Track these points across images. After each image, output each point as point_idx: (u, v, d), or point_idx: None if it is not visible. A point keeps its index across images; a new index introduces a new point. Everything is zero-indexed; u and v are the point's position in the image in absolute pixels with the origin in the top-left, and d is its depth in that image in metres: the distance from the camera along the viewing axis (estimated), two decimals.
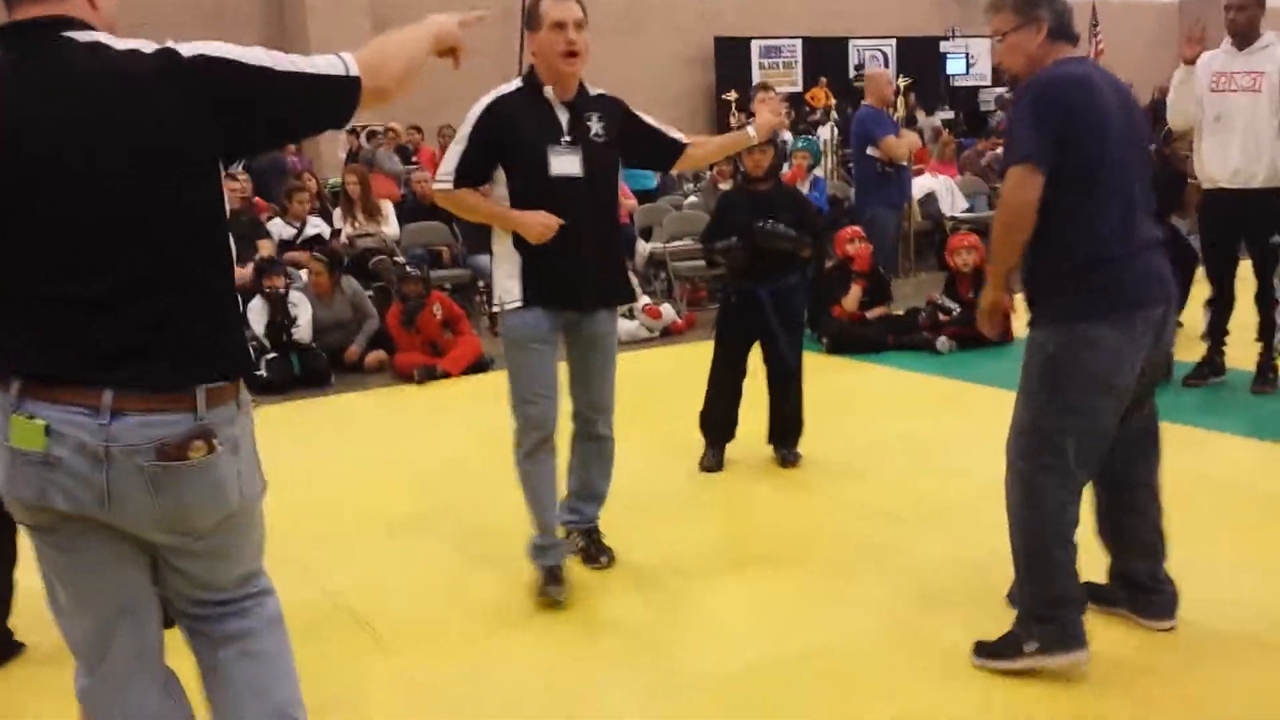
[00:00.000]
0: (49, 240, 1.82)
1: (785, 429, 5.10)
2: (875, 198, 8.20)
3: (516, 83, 3.63)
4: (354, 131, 12.20)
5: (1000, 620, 3.24)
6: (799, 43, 16.70)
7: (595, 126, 3.61)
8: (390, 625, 3.59)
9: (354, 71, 1.98)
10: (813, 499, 4.67)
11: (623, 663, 3.31)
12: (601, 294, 3.68)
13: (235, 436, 1.98)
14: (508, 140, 3.53)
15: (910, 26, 17.56)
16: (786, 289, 4.99)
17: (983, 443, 5.19)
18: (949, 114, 15.84)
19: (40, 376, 1.85)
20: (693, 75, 16.41)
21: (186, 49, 1.89)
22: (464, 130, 3.57)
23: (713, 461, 5.05)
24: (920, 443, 5.29)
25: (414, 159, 12.46)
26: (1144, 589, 3.29)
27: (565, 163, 3.53)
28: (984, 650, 3.15)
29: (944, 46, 17.45)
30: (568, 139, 3.54)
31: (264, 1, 14.12)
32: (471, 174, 3.58)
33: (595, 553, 4.01)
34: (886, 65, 16.69)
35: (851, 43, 16.96)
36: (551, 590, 3.68)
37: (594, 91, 3.70)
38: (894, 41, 17.20)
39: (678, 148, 3.89)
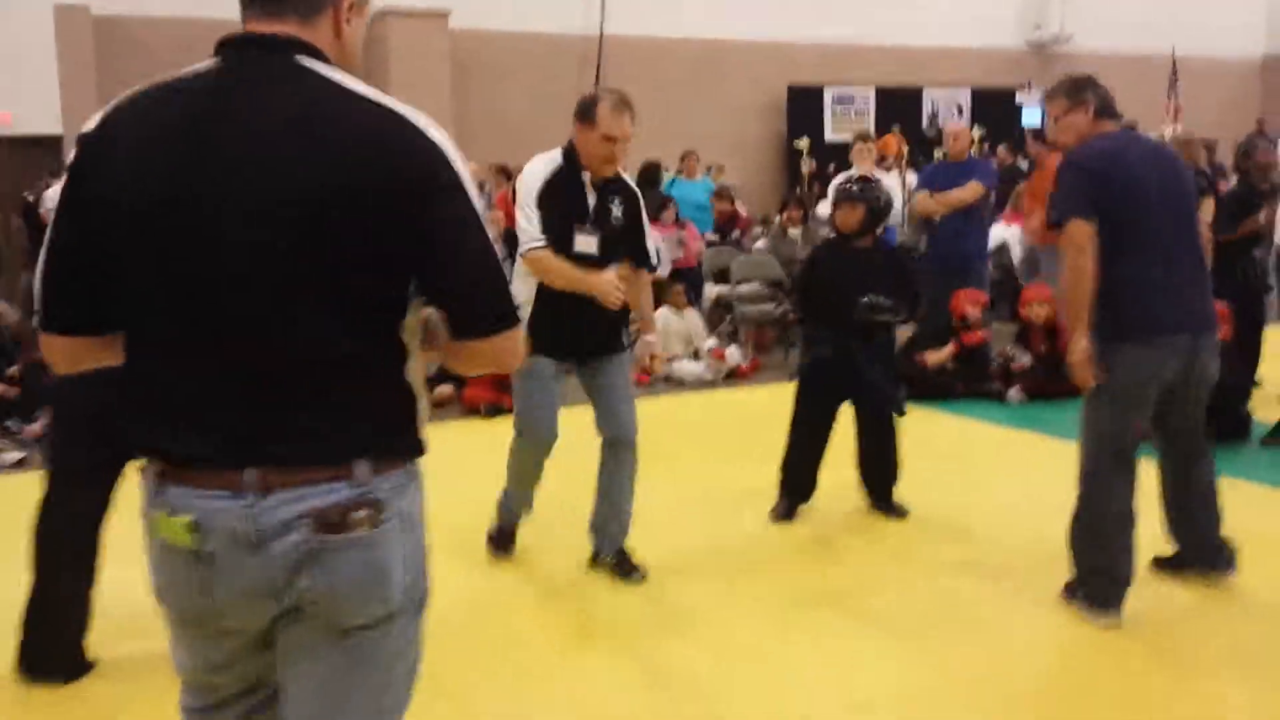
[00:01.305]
0: (203, 298, 1.58)
1: (887, 481, 4.99)
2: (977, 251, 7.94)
3: (558, 157, 4.08)
4: None
5: (1067, 678, 3.17)
6: (872, 92, 16.70)
7: (616, 210, 4.12)
8: (443, 659, 3.60)
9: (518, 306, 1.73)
10: (880, 548, 4.62)
11: (677, 707, 3.29)
12: (597, 348, 4.18)
13: (407, 513, 1.68)
14: (549, 213, 4.01)
15: (986, 78, 17.48)
16: (881, 342, 4.92)
17: (1051, 498, 5.12)
18: (1023, 165, 15.69)
19: (177, 457, 1.62)
20: (766, 123, 16.48)
21: (439, 144, 1.62)
22: (529, 199, 4.03)
23: (784, 511, 4.96)
24: (991, 495, 5.21)
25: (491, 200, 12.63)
26: (1214, 546, 3.95)
27: (586, 242, 4.03)
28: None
29: (1020, 98, 17.32)
30: (592, 222, 4.04)
31: None
32: (554, 236, 4.02)
33: (627, 570, 4.26)
34: (962, 115, 16.62)
35: (926, 92, 16.93)
36: (495, 549, 4.54)
37: (625, 180, 4.21)
38: (968, 92, 17.13)
39: (642, 261, 4.25)
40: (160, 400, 1.63)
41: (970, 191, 7.58)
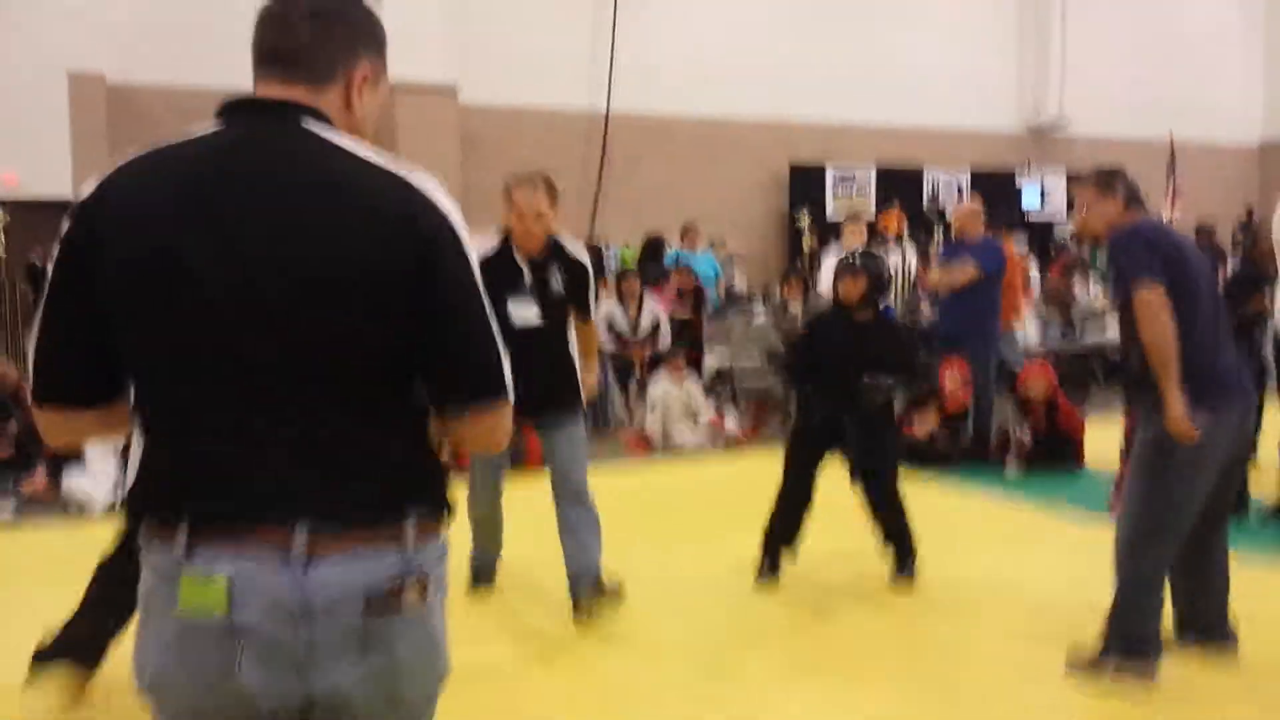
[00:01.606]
0: (220, 361, 1.52)
1: (895, 545, 4.93)
2: (987, 330, 7.83)
3: (494, 240, 4.50)
4: None
5: None
6: (872, 170, 16.92)
7: (555, 281, 4.48)
8: None
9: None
10: (875, 619, 4.58)
11: None
12: (550, 405, 4.49)
13: (442, 580, 1.63)
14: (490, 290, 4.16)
15: (986, 159, 17.72)
16: (882, 417, 4.89)
17: (1055, 576, 5.09)
18: (1023, 247, 15.83)
19: (214, 516, 1.51)
20: (768, 200, 16.66)
21: (444, 209, 1.61)
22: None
23: (767, 568, 4.95)
24: (992, 571, 5.16)
25: None
26: (1214, 627, 3.99)
27: (522, 314, 4.39)
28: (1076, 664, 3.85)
29: (1019, 180, 17.54)
30: (527, 294, 4.42)
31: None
32: None
33: (601, 592, 4.46)
34: (961, 195, 16.80)
35: (926, 172, 17.15)
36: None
37: (569, 250, 4.57)
38: (968, 173, 17.35)
39: (588, 313, 4.65)
40: (194, 461, 1.54)
41: (962, 274, 7.63)
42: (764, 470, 6.66)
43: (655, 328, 9.15)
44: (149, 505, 1.58)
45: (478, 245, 4.18)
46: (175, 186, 1.54)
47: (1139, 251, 3.70)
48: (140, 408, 1.59)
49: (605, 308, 9.19)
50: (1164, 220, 14.39)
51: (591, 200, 15.83)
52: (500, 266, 4.37)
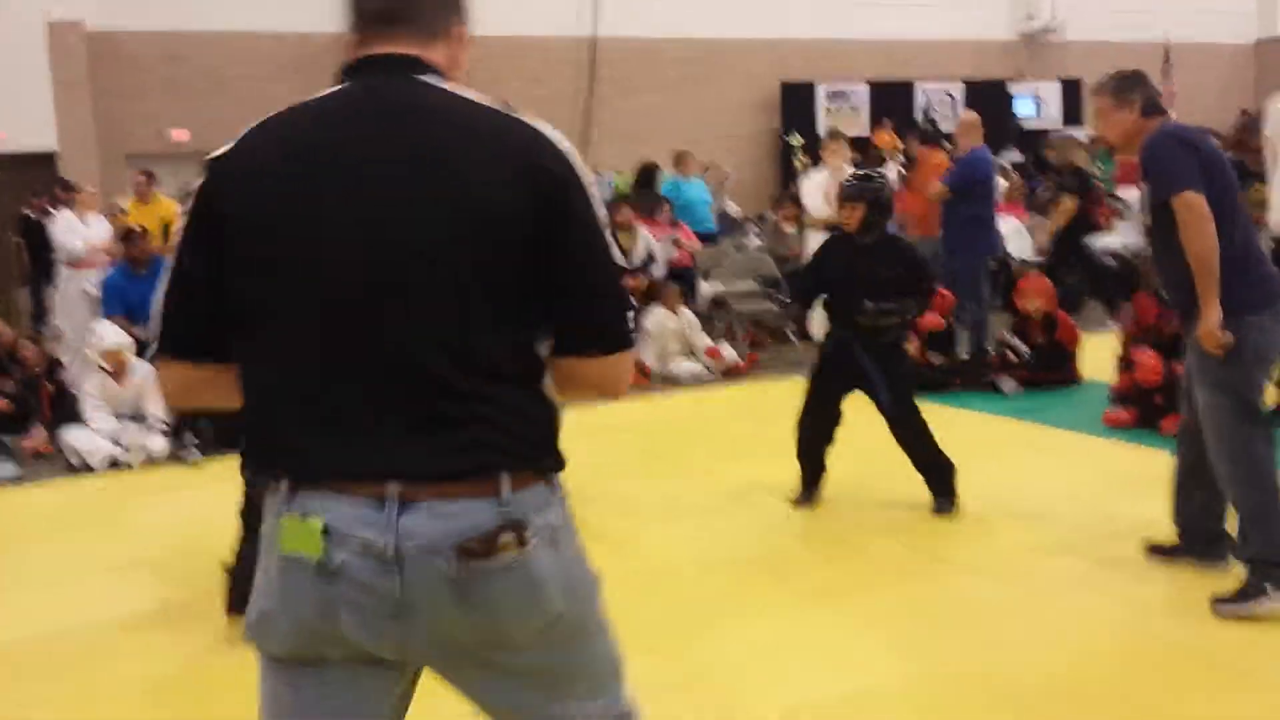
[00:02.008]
0: (343, 311, 1.55)
1: (926, 478, 4.87)
2: (969, 244, 7.80)
3: None
4: None
5: (1074, 675, 3.17)
6: (864, 87, 16.70)
7: None
8: None
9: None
10: (882, 541, 4.62)
11: (662, 694, 3.29)
12: None
13: (552, 526, 1.61)
14: None
15: (978, 70, 17.48)
16: (889, 341, 4.85)
17: (1057, 489, 5.13)
18: (1018, 156, 15.66)
19: (314, 467, 1.55)
20: (759, 119, 16.49)
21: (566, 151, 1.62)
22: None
23: (802, 497, 4.99)
24: (996, 488, 5.19)
25: None
26: (1214, 536, 3.96)
27: None
28: (1226, 601, 3.63)
29: (1012, 89, 17.31)
30: None
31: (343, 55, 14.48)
32: None
33: None
34: (955, 108, 16.61)
35: (918, 85, 16.93)
36: None
37: None
38: (961, 85, 17.12)
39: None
40: (296, 416, 1.57)
41: (932, 189, 7.77)
42: (764, 399, 6.67)
43: (649, 257, 9.10)
44: (257, 453, 1.63)
45: None
46: (301, 141, 1.58)
47: (1178, 157, 3.58)
48: (249, 360, 1.61)
49: None
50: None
51: (582, 128, 15.67)
52: None
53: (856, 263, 4.82)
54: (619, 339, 1.64)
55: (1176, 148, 3.60)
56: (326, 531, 1.52)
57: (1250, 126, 7.08)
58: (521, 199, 1.54)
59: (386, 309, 1.53)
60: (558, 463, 1.64)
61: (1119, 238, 11.22)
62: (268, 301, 1.57)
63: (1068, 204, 8.90)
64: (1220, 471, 3.71)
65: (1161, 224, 3.64)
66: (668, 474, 5.69)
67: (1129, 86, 3.78)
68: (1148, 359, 6.11)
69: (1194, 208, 3.50)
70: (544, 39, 15.28)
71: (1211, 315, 3.53)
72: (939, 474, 4.86)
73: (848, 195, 4.92)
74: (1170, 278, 3.78)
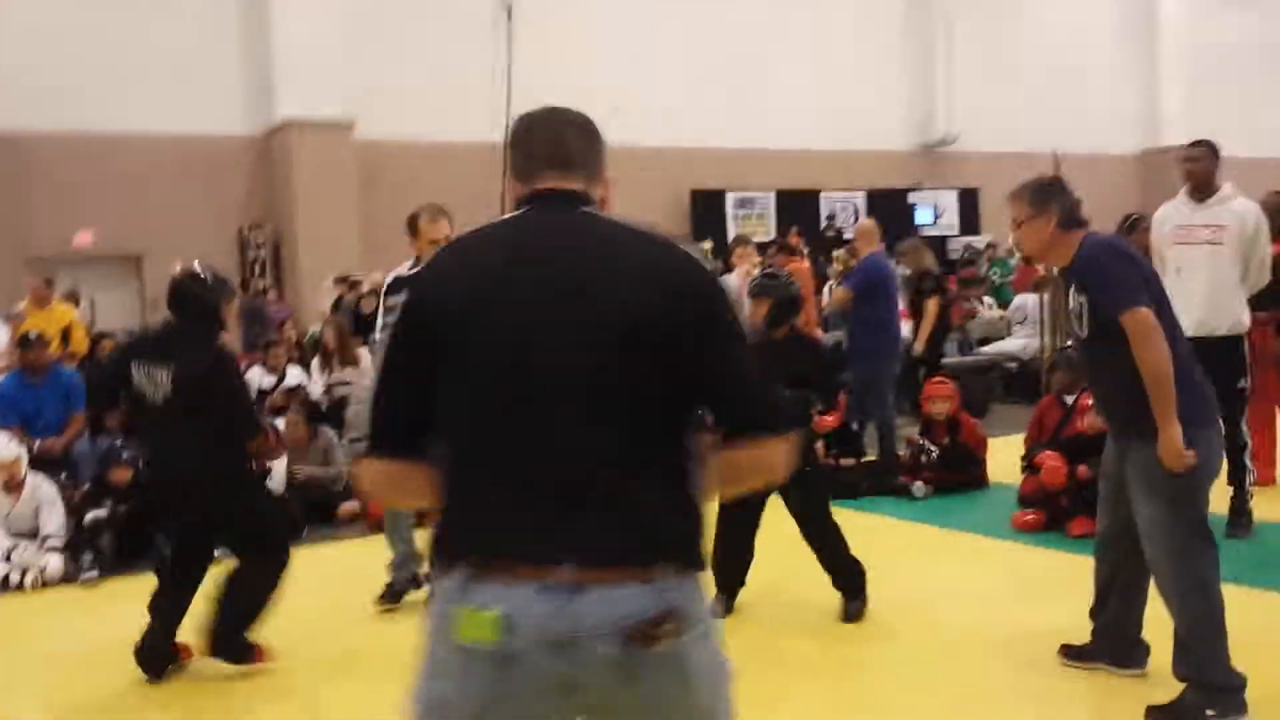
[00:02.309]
0: (527, 406, 1.75)
1: (835, 580, 4.88)
2: (873, 348, 7.97)
3: (408, 265, 5.12)
4: (344, 280, 12.35)
5: None
6: (772, 195, 17.15)
7: None
8: None
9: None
10: (796, 643, 4.60)
11: None
12: None
13: (703, 619, 1.77)
14: None
15: (880, 179, 18.09)
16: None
17: (968, 592, 5.17)
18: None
19: (489, 555, 1.71)
20: (670, 226, 16.78)
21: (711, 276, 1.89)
22: (385, 298, 5.22)
23: (721, 608, 4.86)
24: (908, 591, 5.21)
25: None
26: (1131, 642, 3.93)
27: None
28: (1161, 713, 3.55)
29: (912, 198, 17.94)
30: None
31: (253, 155, 14.46)
32: None
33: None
34: (857, 216, 17.12)
35: (823, 195, 17.44)
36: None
37: None
38: (863, 194, 17.69)
39: None
40: (478, 505, 1.77)
41: (837, 295, 8.07)
42: None
43: None
44: (447, 539, 1.80)
45: (396, 271, 4.89)
46: (493, 259, 1.84)
47: (1122, 272, 3.50)
48: (444, 454, 1.81)
49: None
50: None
51: None
52: None
53: (763, 359, 4.87)
54: (774, 424, 1.85)
55: (1118, 261, 3.53)
56: (503, 620, 1.66)
57: (1133, 230, 7.32)
58: (678, 309, 1.77)
59: (562, 407, 1.74)
60: (703, 560, 1.82)
61: (1018, 341, 11.60)
62: (460, 401, 1.79)
63: (931, 307, 9.21)
64: (1164, 586, 3.62)
65: (1104, 338, 3.54)
66: None
67: (1046, 196, 3.67)
68: (1052, 462, 6.25)
69: (1146, 323, 3.42)
70: (454, 144, 15.43)
71: (1174, 432, 3.43)
72: (848, 576, 4.89)
73: (754, 292, 5.07)
74: (1109, 392, 3.72)
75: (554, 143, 1.95)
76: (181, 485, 4.23)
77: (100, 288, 13.84)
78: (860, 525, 6.65)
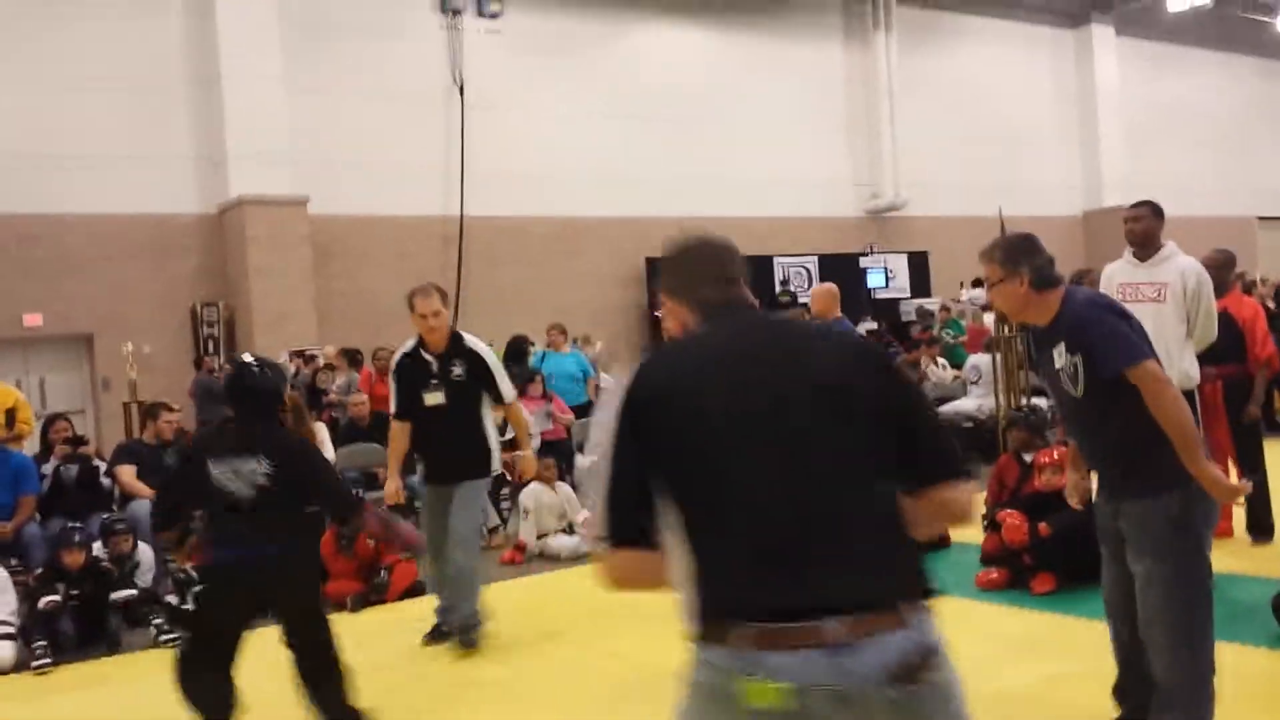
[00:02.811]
0: (773, 473, 1.95)
1: None
2: None
3: (412, 342, 5.68)
4: (299, 354, 12.29)
5: None
6: None
7: (458, 370, 5.58)
8: None
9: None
10: None
11: None
12: (456, 470, 5.63)
13: (943, 648, 1.94)
14: (404, 383, 5.67)
15: (831, 244, 18.37)
16: None
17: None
18: (873, 325, 16.36)
19: (760, 622, 1.86)
20: (625, 293, 16.90)
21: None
22: (391, 377, 5.78)
23: None
24: None
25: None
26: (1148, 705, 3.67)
27: (433, 398, 5.58)
28: None
29: (863, 262, 18.20)
30: (434, 380, 5.59)
31: (204, 233, 14.40)
32: (401, 409, 5.75)
33: (469, 638, 5.60)
34: (810, 281, 17.32)
35: (776, 260, 17.65)
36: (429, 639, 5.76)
37: (466, 342, 5.67)
38: (815, 259, 17.93)
39: (499, 398, 5.78)
40: (736, 571, 1.92)
41: None
42: None
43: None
44: (704, 609, 1.93)
45: (400, 350, 5.66)
46: (706, 354, 2.11)
47: (1119, 328, 3.44)
48: (693, 531, 1.97)
49: None
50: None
51: (453, 303, 15.76)
52: (414, 362, 5.66)
53: None
54: (959, 470, 2.07)
55: (1111, 317, 3.48)
56: (790, 686, 1.82)
57: (1080, 284, 7.41)
58: (872, 373, 2.06)
59: (796, 473, 1.94)
60: (931, 590, 1.99)
61: (973, 401, 11.74)
62: (705, 477, 1.97)
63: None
64: (1155, 638, 3.51)
65: (1102, 396, 3.46)
66: (557, 657, 5.56)
67: (1016, 257, 3.56)
68: (1012, 520, 6.29)
69: (1158, 377, 3.36)
70: (411, 218, 15.49)
71: (1210, 471, 3.39)
72: None
73: None
74: (1102, 449, 3.64)
75: (723, 262, 2.28)
76: (275, 574, 4.06)
77: (50, 369, 13.66)
78: None
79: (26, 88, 13.19)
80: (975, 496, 2.03)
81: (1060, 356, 3.55)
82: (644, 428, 2.01)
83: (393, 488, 5.78)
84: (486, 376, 5.64)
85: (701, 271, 2.25)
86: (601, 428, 2.14)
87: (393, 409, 5.77)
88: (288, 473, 4.04)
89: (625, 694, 4.88)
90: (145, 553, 6.83)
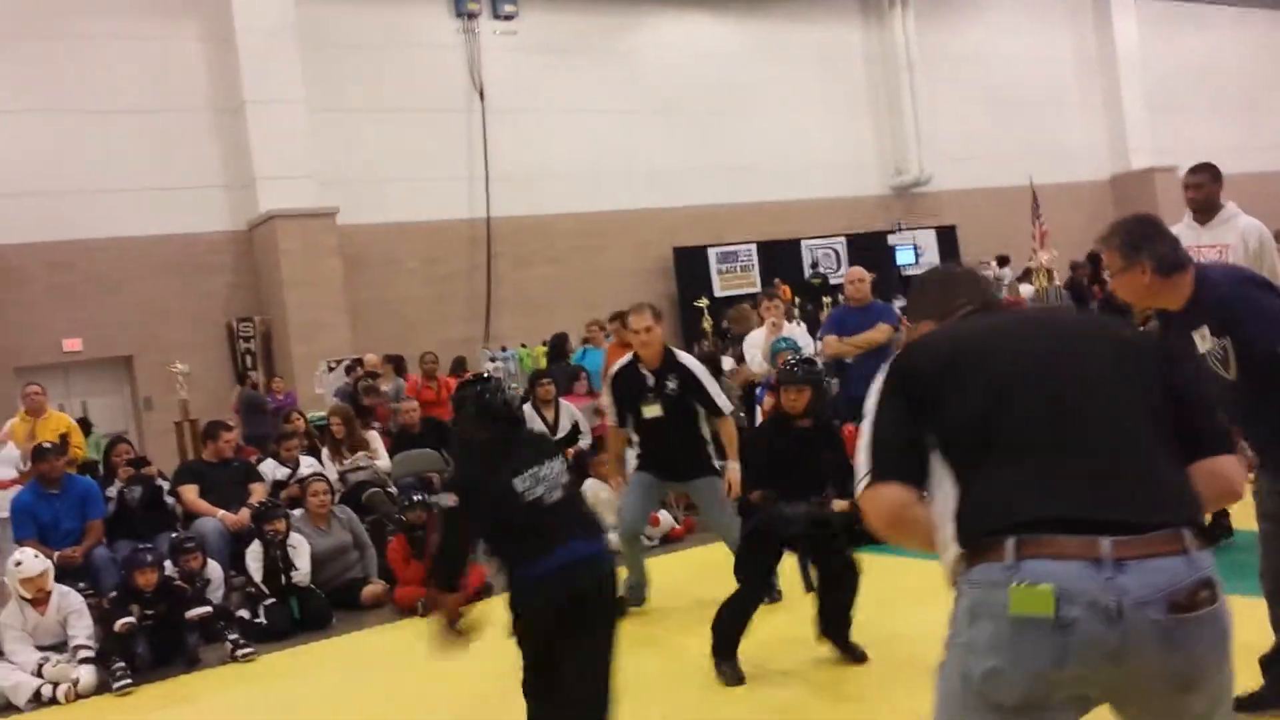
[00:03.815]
0: (1062, 411, 2.03)
1: (843, 627, 4.94)
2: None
3: (629, 358, 6.11)
4: (357, 363, 12.27)
5: None
6: (754, 247, 17.29)
7: (671, 384, 5.89)
8: None
9: None
10: (849, 706, 4.55)
11: None
12: (684, 470, 6.06)
13: (1221, 589, 1.94)
14: (618, 395, 6.12)
15: (858, 224, 18.29)
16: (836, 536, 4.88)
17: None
18: (903, 303, 16.28)
19: (1033, 535, 1.88)
20: (654, 284, 16.87)
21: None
22: (605, 390, 6.26)
23: (734, 672, 4.83)
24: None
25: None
26: None
27: (650, 410, 5.94)
28: (1250, 705, 3.41)
29: (891, 240, 18.10)
30: (652, 395, 5.91)
31: (236, 249, 14.48)
32: (619, 420, 6.19)
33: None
34: (839, 262, 17.27)
35: (804, 243, 17.59)
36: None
37: (679, 358, 6.02)
38: (844, 239, 17.86)
39: (715, 411, 5.99)
40: (1014, 490, 1.95)
41: (881, 332, 7.79)
42: (707, 563, 6.60)
43: (575, 428, 9.09)
44: (974, 531, 1.96)
45: (617, 364, 6.06)
46: (976, 327, 2.27)
47: (1271, 301, 3.36)
48: (980, 463, 2.01)
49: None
50: (1037, 260, 14.81)
51: (484, 305, 15.80)
52: (630, 376, 6.02)
53: (792, 446, 4.93)
54: (1229, 445, 2.14)
55: (1260, 291, 3.40)
56: (1057, 592, 1.82)
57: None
58: (1143, 342, 2.24)
59: (1089, 405, 2.03)
60: (1205, 532, 1.98)
61: None
62: (987, 409, 2.04)
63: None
64: None
65: (1258, 376, 3.36)
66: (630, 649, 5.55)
67: (1136, 244, 3.38)
68: None
69: None
70: (438, 223, 15.52)
71: None
72: (847, 626, 4.94)
73: (794, 379, 4.98)
74: (1271, 432, 3.54)
75: (971, 285, 2.46)
76: (601, 577, 3.77)
77: (92, 391, 13.77)
78: (881, 566, 6.64)
79: (50, 119, 13.29)
80: (1245, 473, 2.08)
81: (1205, 340, 3.41)
82: (917, 386, 2.12)
83: (616, 483, 6.42)
84: (699, 390, 5.92)
85: (955, 293, 2.42)
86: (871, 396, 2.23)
87: (610, 420, 6.29)
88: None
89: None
90: (214, 569, 6.88)
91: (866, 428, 2.14)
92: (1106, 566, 1.83)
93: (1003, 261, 17.59)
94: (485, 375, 4.44)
